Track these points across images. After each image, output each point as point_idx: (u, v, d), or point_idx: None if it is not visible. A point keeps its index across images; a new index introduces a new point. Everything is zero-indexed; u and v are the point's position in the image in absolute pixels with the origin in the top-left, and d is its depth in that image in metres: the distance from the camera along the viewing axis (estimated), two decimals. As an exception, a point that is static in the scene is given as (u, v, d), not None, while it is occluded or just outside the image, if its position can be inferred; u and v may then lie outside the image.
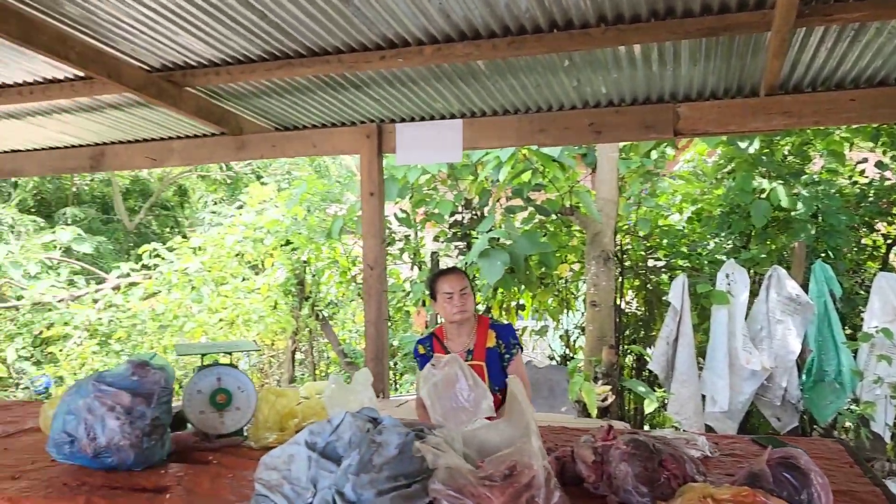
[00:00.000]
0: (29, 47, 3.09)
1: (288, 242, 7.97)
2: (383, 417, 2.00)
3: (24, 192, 12.03)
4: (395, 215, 6.80)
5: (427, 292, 7.01)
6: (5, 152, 5.50)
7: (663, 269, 6.54)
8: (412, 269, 7.41)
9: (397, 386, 7.89)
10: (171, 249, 9.29)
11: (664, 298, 6.14)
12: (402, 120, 4.72)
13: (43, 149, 5.48)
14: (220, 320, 7.87)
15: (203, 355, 2.50)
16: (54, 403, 2.43)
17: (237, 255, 8.63)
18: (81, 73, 3.90)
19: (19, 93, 4.14)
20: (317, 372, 8.15)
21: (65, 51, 3.26)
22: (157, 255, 9.33)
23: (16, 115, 4.74)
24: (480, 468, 1.68)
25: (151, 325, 8.40)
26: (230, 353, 2.54)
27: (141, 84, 3.77)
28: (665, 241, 6.57)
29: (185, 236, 10.72)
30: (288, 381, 7.88)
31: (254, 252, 8.58)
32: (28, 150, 5.50)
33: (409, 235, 7.23)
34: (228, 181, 13.33)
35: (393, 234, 7.16)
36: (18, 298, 9.22)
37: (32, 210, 12.29)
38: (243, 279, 8.60)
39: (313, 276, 7.82)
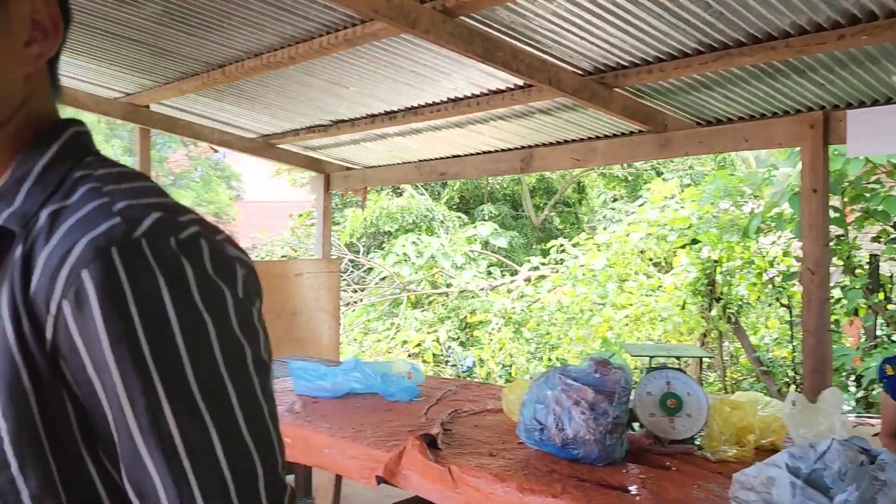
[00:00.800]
0: (490, 64, 3.43)
1: (695, 241, 7.69)
2: (879, 450, 1.74)
3: (451, 191, 13.67)
4: (825, 213, 6.08)
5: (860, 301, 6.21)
6: (450, 157, 6.26)
7: None
8: (843, 273, 6.56)
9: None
10: (575, 245, 9.72)
11: None
12: (850, 105, 4.14)
13: (478, 153, 6.09)
14: (626, 317, 7.94)
15: (651, 357, 2.49)
16: (514, 389, 2.64)
17: (640, 252, 8.63)
18: (520, 83, 4.22)
19: (468, 105, 4.65)
20: (726, 378, 7.73)
21: (516, 64, 3.55)
22: (563, 251, 9.84)
23: (459, 124, 5.33)
24: None
25: (559, 317, 8.87)
26: (679, 358, 2.48)
27: (576, 88, 3.93)
28: None
29: (586, 232, 11.12)
30: (695, 384, 7.61)
31: (657, 249, 8.48)
32: (467, 155, 6.17)
33: (842, 235, 6.40)
34: (629, 178, 13.42)
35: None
36: (448, 286, 10.54)
37: (455, 207, 13.89)
38: (647, 277, 8.56)
39: (724, 275, 7.42)
